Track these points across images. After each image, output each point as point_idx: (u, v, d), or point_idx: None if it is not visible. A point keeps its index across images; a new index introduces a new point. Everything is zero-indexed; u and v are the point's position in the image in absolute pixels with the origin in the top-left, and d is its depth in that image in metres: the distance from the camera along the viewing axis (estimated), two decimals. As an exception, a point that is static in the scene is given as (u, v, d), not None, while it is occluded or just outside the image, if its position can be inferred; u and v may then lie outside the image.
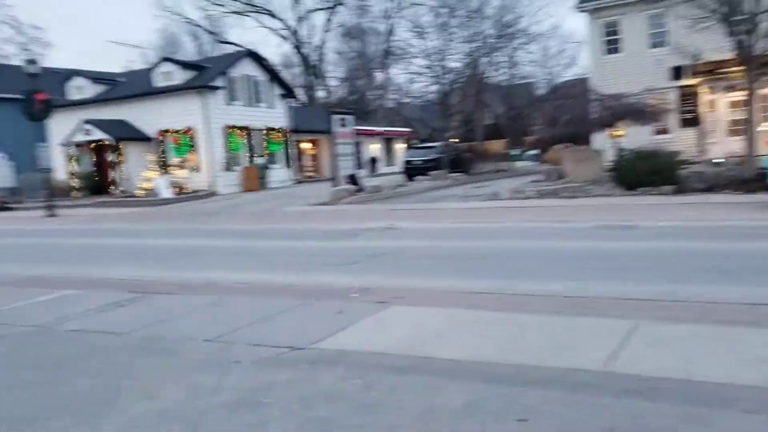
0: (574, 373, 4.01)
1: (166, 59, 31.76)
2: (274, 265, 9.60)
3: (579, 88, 33.87)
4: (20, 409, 3.77)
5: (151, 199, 25.27)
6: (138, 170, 28.03)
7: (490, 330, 5.12)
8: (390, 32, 55.96)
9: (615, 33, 25.52)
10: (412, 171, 31.44)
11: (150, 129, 29.94)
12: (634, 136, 22.09)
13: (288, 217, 18.00)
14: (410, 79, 42.29)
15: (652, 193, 16.64)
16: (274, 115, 33.42)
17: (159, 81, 30.07)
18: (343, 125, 24.07)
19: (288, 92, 35.46)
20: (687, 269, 7.82)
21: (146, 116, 29.79)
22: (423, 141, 49.02)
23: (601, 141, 23.42)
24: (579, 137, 27.95)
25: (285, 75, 58.47)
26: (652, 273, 7.69)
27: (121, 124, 29.92)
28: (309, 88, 60.25)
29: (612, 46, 25.63)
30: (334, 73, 65.25)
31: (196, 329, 5.42)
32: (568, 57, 55.08)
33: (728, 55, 18.79)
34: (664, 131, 24.43)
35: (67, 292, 7.36)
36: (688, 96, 24.24)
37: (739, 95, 19.97)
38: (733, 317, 5.27)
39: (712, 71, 22.92)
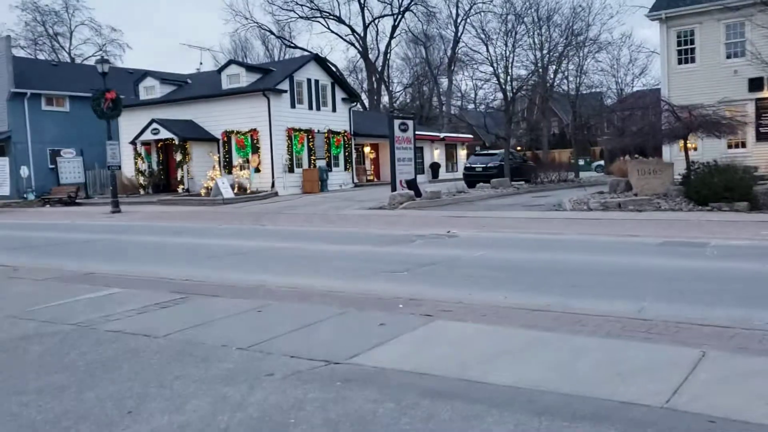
0: (630, 408, 3.63)
1: (233, 62, 32.34)
2: (323, 269, 9.43)
3: (649, 98, 32.70)
4: (43, 415, 3.66)
5: (212, 199, 25.67)
6: (202, 169, 28.57)
7: (539, 352, 4.76)
8: (456, 39, 55.56)
9: (689, 42, 24.45)
10: (472, 178, 30.96)
11: (215, 129, 30.51)
12: (707, 150, 21.10)
13: (345, 220, 17.88)
14: (475, 85, 41.85)
15: (725, 209, 15.77)
16: (337, 118, 33.53)
17: (225, 83, 30.61)
18: (404, 130, 23.85)
19: (351, 96, 35.52)
20: (763, 294, 7.23)
21: (212, 117, 30.38)
22: (486, 148, 48.42)
23: (672, 153, 22.44)
24: (648, 149, 26.91)
25: (350, 80, 58.88)
26: (723, 296, 7.14)
27: (188, 124, 30.58)
28: (373, 93, 60.40)
29: (685, 55, 24.58)
30: (399, 78, 65.32)
31: (233, 336, 5.26)
32: (639, 66, 53.47)
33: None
34: (739, 145, 23.24)
35: (114, 290, 7.36)
36: (766, 109, 22.99)
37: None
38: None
39: (794, 83, 21.71)
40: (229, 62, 32.14)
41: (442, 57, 60.70)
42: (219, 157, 29.88)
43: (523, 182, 31.10)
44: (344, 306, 6.37)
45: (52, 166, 34.70)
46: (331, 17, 56.97)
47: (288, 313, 6.13)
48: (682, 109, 20.63)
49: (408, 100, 65.91)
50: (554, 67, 41.21)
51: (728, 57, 23.51)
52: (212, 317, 5.96)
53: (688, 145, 21.80)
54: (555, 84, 43.44)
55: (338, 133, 33.55)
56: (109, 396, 3.90)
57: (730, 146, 23.03)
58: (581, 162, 52.69)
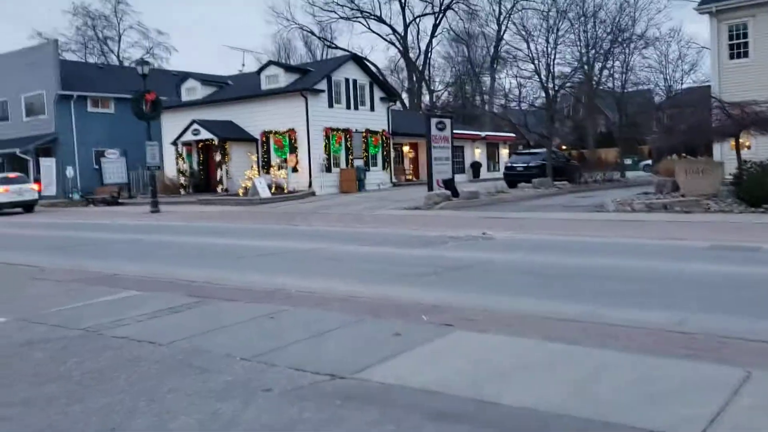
0: (660, 438, 3.24)
1: (272, 62, 32.46)
2: (348, 272, 9.17)
3: (699, 95, 31.56)
4: (23, 429, 3.47)
5: (249, 198, 25.73)
6: (241, 169, 28.70)
7: (562, 369, 4.38)
8: (499, 37, 54.78)
9: (741, 36, 23.39)
10: (513, 177, 30.36)
11: (254, 130, 30.64)
12: (762, 148, 20.11)
13: (378, 221, 17.61)
14: (519, 83, 41.08)
15: (780, 211, 14.96)
16: (375, 118, 33.31)
17: (264, 83, 30.72)
18: (440, 128, 23.46)
19: (389, 95, 35.26)
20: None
21: (251, 117, 30.52)
22: (529, 147, 47.56)
23: (722, 152, 21.50)
24: (697, 148, 25.92)
25: (391, 79, 58.63)
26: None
27: (228, 124, 30.78)
28: (414, 92, 60.04)
29: (737, 50, 23.52)
30: (441, 77, 64.80)
31: (240, 344, 5.02)
32: (689, 62, 51.69)
33: None
34: (796, 143, 22.11)
35: (131, 293, 7.22)
36: (826, 105, 21.80)
37: None
38: None
39: None
40: (268, 63, 32.28)
41: (484, 55, 59.94)
42: (257, 157, 29.98)
43: (565, 182, 30.37)
44: (362, 313, 6.08)
45: (97, 167, 35.39)
46: (372, 17, 56.86)
47: (301, 319, 5.87)
48: (733, 106, 19.73)
49: (450, 99, 65.32)
50: (600, 64, 40.15)
51: (786, 51, 22.44)
52: (223, 323, 5.74)
53: (741, 144, 20.86)
54: (601, 81, 42.30)
55: (376, 133, 33.32)
56: (96, 410, 3.69)
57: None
58: (628, 161, 51.30)
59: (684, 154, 26.51)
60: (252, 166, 28.18)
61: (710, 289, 7.63)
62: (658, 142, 36.40)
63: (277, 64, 32.84)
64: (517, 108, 56.34)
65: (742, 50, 23.47)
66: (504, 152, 48.56)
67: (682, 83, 47.77)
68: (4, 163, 36.78)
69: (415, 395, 3.86)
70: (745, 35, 23.35)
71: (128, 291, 7.35)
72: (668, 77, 49.44)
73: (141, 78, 24.83)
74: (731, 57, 23.67)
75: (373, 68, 45.61)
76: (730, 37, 23.64)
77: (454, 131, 39.58)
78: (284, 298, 6.90)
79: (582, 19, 37.54)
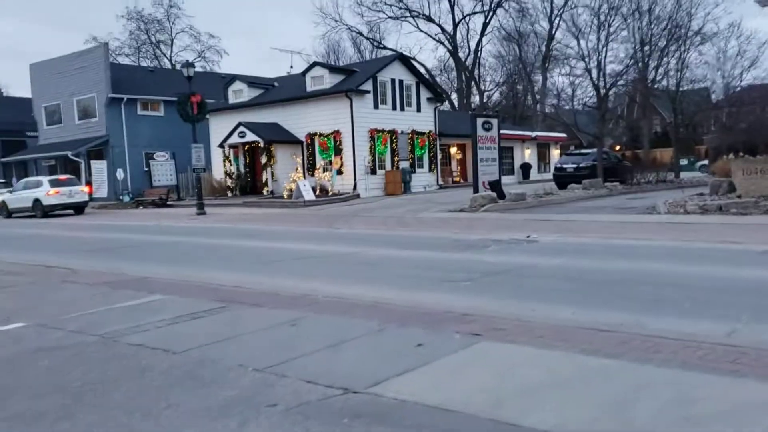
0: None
1: (317, 63, 32.45)
2: (381, 277, 8.92)
3: (760, 92, 30.20)
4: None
5: (293, 201, 25.76)
6: (286, 172, 28.77)
7: (595, 386, 4.03)
8: (551, 35, 53.76)
9: (806, 27, 22.22)
10: (563, 178, 29.64)
11: (299, 132, 30.71)
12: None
13: (420, 224, 17.32)
14: (572, 83, 40.13)
15: None
16: (421, 118, 32.98)
17: (309, 85, 30.75)
18: (487, 128, 23.00)
19: (436, 96, 34.88)
20: None
21: (296, 119, 30.59)
22: (581, 147, 46.44)
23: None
24: (757, 147, 24.77)
25: (440, 79, 58.17)
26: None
27: (273, 126, 30.93)
28: (463, 92, 59.43)
29: (802, 42, 22.36)
30: (492, 76, 63.98)
31: (254, 353, 4.83)
32: (749, 59, 49.54)
33: None
34: None
35: (155, 297, 7.14)
36: None
37: None
38: None
39: None
40: (314, 64, 32.28)
41: (536, 54, 58.88)
42: (302, 159, 30.02)
43: (617, 183, 29.48)
44: (387, 321, 5.82)
45: (146, 169, 36.11)
46: (421, 16, 56.51)
47: (323, 327, 5.65)
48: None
49: (501, 99, 64.44)
50: (655, 62, 38.86)
51: None
52: (242, 330, 5.56)
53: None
54: (655, 80, 40.95)
55: (423, 134, 32.99)
56: (84, 427, 3.53)
57: None
58: (684, 162, 49.59)
59: (742, 154, 25.34)
60: (297, 169, 28.23)
61: (764, 298, 7.10)
62: (716, 141, 35.06)
63: (322, 65, 32.83)
64: (568, 108, 55.25)
65: (806, 43, 22.31)
66: (555, 153, 47.59)
67: (741, 80, 45.81)
68: (57, 165, 37.90)
69: (429, 413, 3.58)
70: (810, 28, 22.18)
71: (153, 295, 7.27)
72: (726, 74, 47.53)
73: (190, 81, 25.13)
74: (794, 51, 22.53)
75: (421, 68, 45.31)
76: (793, 30, 22.49)
77: (503, 132, 38.99)
78: (310, 304, 6.70)
79: (636, 14, 36.43)
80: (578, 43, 30.33)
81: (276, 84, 34.88)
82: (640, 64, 38.03)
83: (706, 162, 46.08)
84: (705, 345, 5.07)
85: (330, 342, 5.10)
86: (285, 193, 27.24)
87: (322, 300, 6.91)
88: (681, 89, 40.09)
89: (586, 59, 29.99)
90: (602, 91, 30.94)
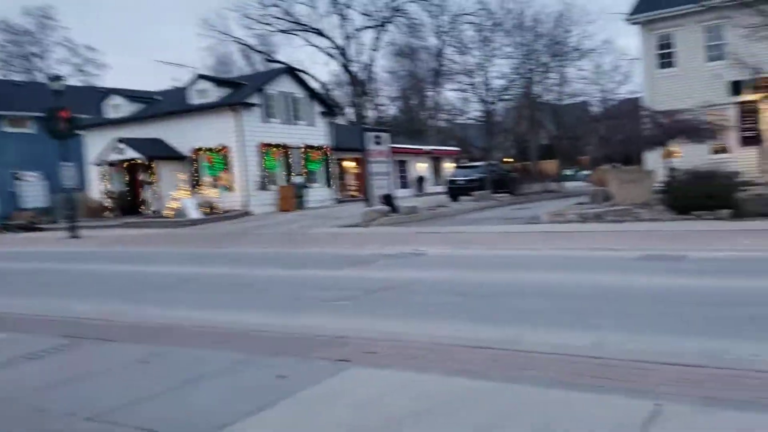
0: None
1: (202, 76, 31.40)
2: (258, 300, 8.57)
3: (632, 105, 32.10)
4: None
5: (178, 220, 24.71)
6: (170, 190, 27.58)
7: (466, 413, 3.91)
8: (440, 50, 54.98)
9: (669, 46, 23.83)
10: (455, 191, 30.30)
11: (184, 147, 29.54)
12: (690, 156, 20.38)
13: (311, 240, 17.03)
14: (459, 97, 41.17)
15: (707, 217, 15.00)
16: (314, 132, 32.71)
17: (194, 99, 29.70)
18: (378, 143, 23.06)
19: (329, 109, 34.75)
20: (737, 317, 6.42)
21: (181, 134, 29.43)
22: (473, 160, 47.71)
23: (654, 161, 21.72)
24: (631, 157, 26.24)
25: (337, 93, 57.99)
26: (697, 322, 6.32)
27: (155, 142, 29.62)
28: (358, 107, 59.66)
29: (666, 60, 23.95)
30: (386, 91, 64.59)
31: (91, 399, 4.37)
32: (622, 73, 52.80)
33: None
34: (722, 150, 22.58)
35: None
36: (749, 113, 22.35)
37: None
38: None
39: (775, 86, 21.08)
40: (198, 77, 31.21)
41: (428, 69, 60.02)
42: (188, 176, 28.86)
43: (506, 194, 30.43)
44: (255, 351, 5.50)
45: (13, 190, 33.51)
46: (311, 30, 56.27)
47: (179, 363, 5.25)
48: (662, 115, 20.00)
49: (396, 113, 65.22)
50: (538, 77, 40.57)
51: (709, 60, 22.87)
52: (86, 371, 5.07)
53: (672, 152, 21.14)
54: (540, 94, 42.76)
55: (317, 148, 32.72)
56: None
57: (715, 152, 22.33)
58: (569, 172, 52.07)
59: (618, 164, 26.79)
60: (181, 186, 27.10)
61: (635, 304, 7.34)
62: (595, 152, 36.93)
63: (207, 77, 31.81)
64: (461, 122, 56.68)
65: (670, 60, 23.89)
66: (449, 166, 48.64)
67: (616, 94, 48.66)
68: None
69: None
70: (673, 45, 23.77)
71: (-1, 332, 6.59)
72: (603, 88, 50.36)
73: (69, 95, 23.65)
74: (660, 67, 24.08)
75: (315, 82, 45.00)
76: (659, 48, 24.04)
77: (398, 146, 39.48)
78: (170, 336, 6.26)
79: (518, 32, 37.89)
80: (463, 59, 31.15)
81: (159, 98, 33.45)
82: (524, 79, 39.59)
83: (589, 172, 48.53)
84: (575, 358, 5.11)
85: (183, 379, 4.73)
86: (169, 212, 26.07)
87: (188, 330, 6.50)
88: (562, 103, 42.13)
89: (472, 74, 30.83)
90: (489, 105, 31.89)
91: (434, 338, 5.93)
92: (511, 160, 53.84)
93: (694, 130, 18.94)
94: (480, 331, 6.22)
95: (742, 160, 21.85)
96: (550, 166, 44.72)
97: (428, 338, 5.91)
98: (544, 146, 58.08)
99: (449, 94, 54.68)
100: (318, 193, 32.04)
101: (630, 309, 7.11)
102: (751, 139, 22.39)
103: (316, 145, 32.58)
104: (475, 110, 43.12)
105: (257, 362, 5.11)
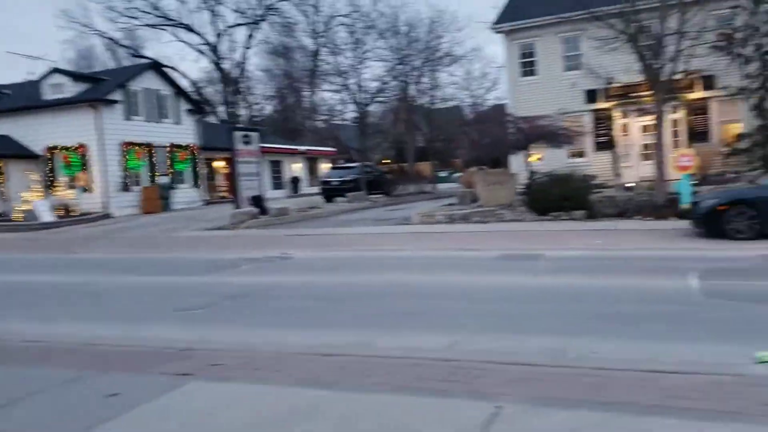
0: None
1: (57, 70, 29.12)
2: (104, 311, 7.97)
3: (499, 110, 33.44)
4: None
5: (29, 224, 22.80)
6: (21, 190, 25.35)
7: (303, 424, 3.72)
8: (316, 51, 54.69)
9: (531, 55, 24.94)
10: (330, 192, 30.08)
11: (37, 146, 27.27)
12: (551, 160, 21.43)
13: (174, 244, 16.24)
14: (335, 98, 41.12)
15: (563, 218, 15.80)
16: (181, 131, 31.37)
17: (48, 93, 27.53)
18: (247, 142, 22.45)
19: (197, 107, 33.51)
20: (584, 315, 6.69)
21: (33, 132, 27.14)
22: (350, 161, 47.82)
23: (519, 164, 22.67)
24: (498, 160, 27.28)
25: (208, 91, 56.15)
26: (543, 321, 6.52)
27: (3, 139, 27.18)
28: (230, 105, 58.11)
29: (528, 68, 25.05)
30: (261, 90, 63.35)
31: None
32: (491, 80, 55.05)
33: (638, 78, 18.29)
34: (580, 154, 23.92)
35: None
36: (602, 119, 23.85)
37: (650, 119, 19.52)
38: (628, 395, 4.02)
39: (624, 95, 22.61)
40: (53, 70, 28.95)
41: (305, 69, 59.49)
42: (41, 177, 26.69)
43: (381, 195, 30.67)
44: (87, 366, 5.03)
45: None
46: (180, 26, 54.17)
47: (5, 383, 4.70)
48: (524, 121, 20.89)
49: (272, 113, 64.16)
50: (413, 80, 41.32)
51: (567, 69, 24.14)
52: None
53: (535, 156, 22.16)
54: (414, 97, 43.60)
55: (184, 147, 31.40)
56: None
57: (573, 156, 23.61)
58: (444, 174, 53.45)
59: (486, 167, 27.77)
60: (34, 187, 25.00)
61: (490, 303, 7.49)
62: (467, 155, 38.18)
63: (63, 71, 29.57)
64: (337, 123, 56.70)
65: (532, 68, 25.02)
66: (325, 166, 48.45)
67: (486, 99, 50.61)
68: None
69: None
70: (535, 54, 24.91)
71: None
72: (473, 94, 52.21)
73: None
74: (523, 75, 25.15)
75: (184, 79, 43.30)
76: (522, 56, 25.10)
77: (272, 146, 38.73)
78: (4, 353, 5.62)
79: (392, 35, 38.40)
80: (336, 60, 31.11)
81: (8, 92, 30.69)
82: (399, 83, 40.20)
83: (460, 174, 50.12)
84: (424, 361, 5.07)
85: (4, 400, 4.22)
86: (18, 216, 23.96)
87: (23, 344, 5.87)
88: (436, 107, 43.24)
89: (345, 76, 30.86)
90: (362, 107, 32.05)
91: (284, 347, 5.72)
92: (389, 161, 54.60)
93: (552, 135, 19.93)
94: (334, 337, 6.08)
95: (597, 164, 23.27)
96: (425, 167, 45.70)
97: (278, 347, 5.68)
98: (420, 148, 59.42)
99: (325, 94, 54.56)
100: (185, 194, 30.74)
101: (487, 308, 7.25)
102: (604, 144, 23.88)
103: (183, 144, 31.26)
104: (350, 111, 43.31)
105: (88, 380, 4.66)
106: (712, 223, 11.70)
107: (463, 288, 8.57)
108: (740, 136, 19.17)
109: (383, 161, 53.94)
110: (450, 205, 21.22)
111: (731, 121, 21.45)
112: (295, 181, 43.28)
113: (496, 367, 4.84)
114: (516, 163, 23.21)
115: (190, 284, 9.81)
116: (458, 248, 12.63)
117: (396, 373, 4.67)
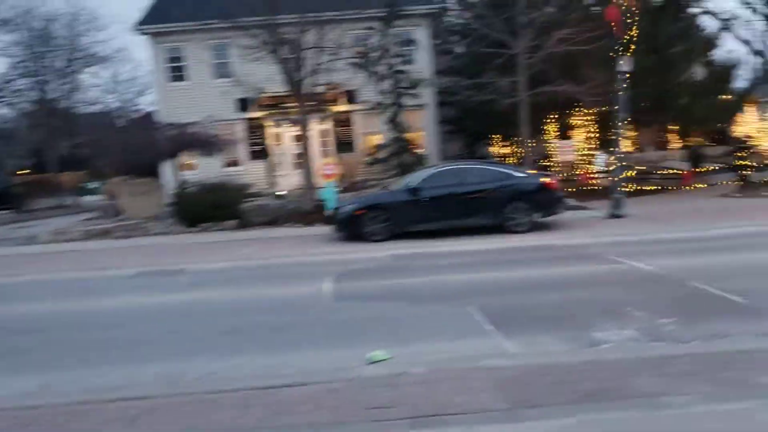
0: None
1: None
2: None
3: (149, 116, 31.71)
4: None
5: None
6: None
7: None
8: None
9: (180, 60, 23.99)
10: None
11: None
12: (206, 168, 20.80)
13: None
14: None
15: (214, 229, 15.34)
16: None
17: None
18: None
19: None
20: (213, 331, 6.25)
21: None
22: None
23: (170, 173, 21.54)
24: (145, 169, 25.70)
25: None
26: (166, 343, 5.90)
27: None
28: None
29: (178, 73, 24.03)
30: None
31: None
32: (141, 83, 52.18)
33: (286, 89, 18.74)
34: (234, 163, 23.75)
35: None
36: (256, 128, 24.04)
37: (299, 129, 20.20)
38: (231, 419, 3.60)
39: (275, 104, 23.07)
40: None
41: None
42: None
43: (9, 211, 26.63)
44: None
45: None
46: None
47: None
48: (172, 128, 19.90)
49: None
50: (52, 80, 36.95)
51: (217, 77, 23.72)
52: None
53: (186, 164, 21.24)
54: (56, 99, 38.98)
55: None
56: None
57: (228, 165, 23.27)
58: (94, 185, 48.93)
59: (132, 176, 25.92)
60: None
61: (116, 329, 6.61)
62: (113, 164, 35.40)
63: None
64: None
65: (182, 74, 24.06)
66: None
67: (136, 104, 47.72)
68: None
69: None
70: (184, 59, 24.01)
71: None
72: (122, 98, 48.93)
73: None
74: (173, 80, 24.05)
75: None
76: (170, 61, 23.99)
77: None
78: None
79: (23, 27, 33.87)
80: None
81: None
82: (36, 83, 35.65)
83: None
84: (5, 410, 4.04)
85: None
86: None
87: None
88: (81, 111, 39.41)
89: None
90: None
91: None
92: (28, 171, 48.21)
93: (203, 143, 19.31)
94: None
95: (252, 173, 23.28)
96: (71, 178, 41.29)
97: None
98: (65, 157, 53.51)
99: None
100: None
101: (112, 335, 6.35)
102: (258, 153, 24.05)
103: None
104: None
105: None
106: (351, 227, 12.31)
107: (86, 314, 7.49)
108: (379, 147, 20.82)
109: (20, 172, 47.42)
110: (90, 219, 19.21)
111: (372, 133, 23.28)
112: None
113: (92, 408, 4.06)
114: (167, 172, 22.06)
115: None
116: (91, 268, 11.23)
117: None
